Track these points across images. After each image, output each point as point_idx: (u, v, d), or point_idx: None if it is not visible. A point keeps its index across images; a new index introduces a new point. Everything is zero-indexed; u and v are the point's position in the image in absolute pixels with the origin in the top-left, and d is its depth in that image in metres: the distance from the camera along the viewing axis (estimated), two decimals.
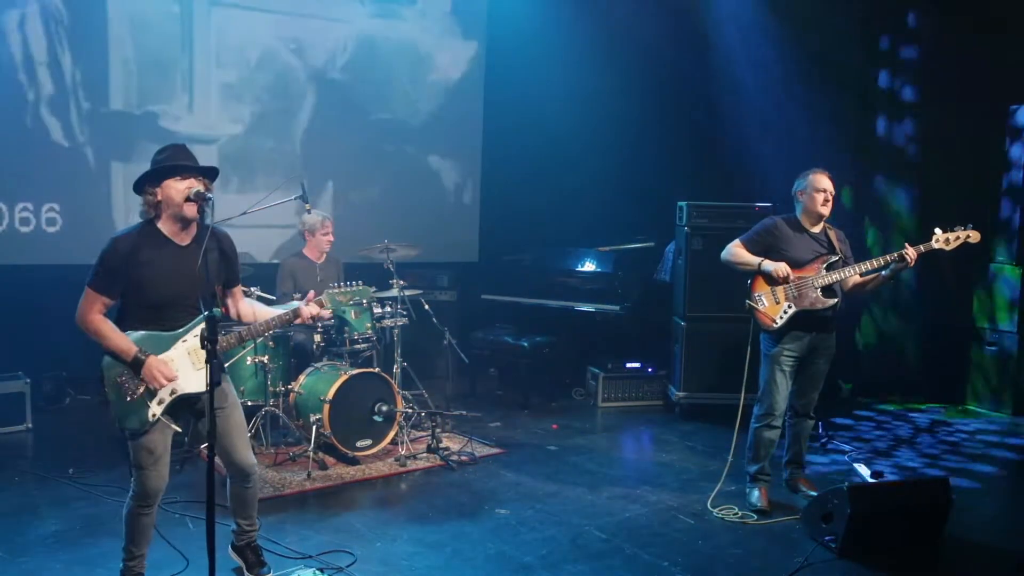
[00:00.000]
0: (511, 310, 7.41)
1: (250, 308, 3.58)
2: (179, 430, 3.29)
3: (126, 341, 3.15)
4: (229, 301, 3.51)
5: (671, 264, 6.92)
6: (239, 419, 3.45)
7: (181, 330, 3.27)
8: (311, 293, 3.63)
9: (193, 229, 3.27)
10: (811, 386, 4.61)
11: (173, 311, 3.25)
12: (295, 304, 3.66)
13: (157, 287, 3.18)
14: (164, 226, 3.22)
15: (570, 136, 7.85)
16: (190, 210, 3.18)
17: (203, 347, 2.84)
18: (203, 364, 3.01)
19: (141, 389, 3.16)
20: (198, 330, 3.18)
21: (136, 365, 3.14)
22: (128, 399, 3.16)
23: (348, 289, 3.65)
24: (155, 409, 3.19)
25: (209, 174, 3.32)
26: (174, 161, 3.22)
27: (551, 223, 7.97)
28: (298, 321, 3.54)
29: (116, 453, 3.57)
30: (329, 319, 3.57)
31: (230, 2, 6.98)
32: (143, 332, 3.20)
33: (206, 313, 2.90)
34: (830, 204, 4.47)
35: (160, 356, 3.20)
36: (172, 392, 3.22)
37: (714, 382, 6.31)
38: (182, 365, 3.25)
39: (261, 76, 7.16)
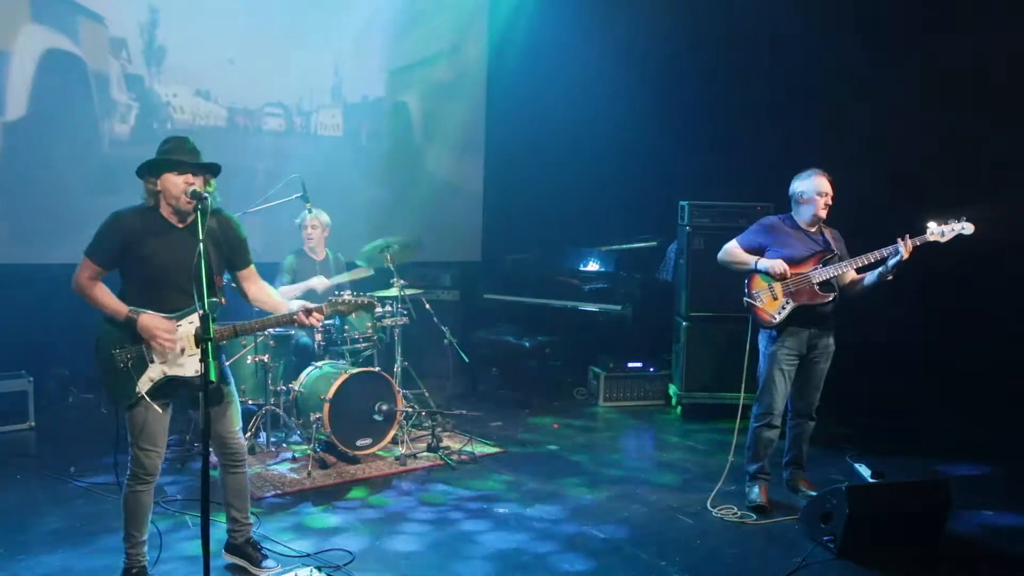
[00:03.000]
0: (513, 310, 7.40)
1: (263, 292, 3.59)
2: (160, 411, 3.28)
3: (117, 302, 3.22)
4: (244, 284, 3.55)
5: (673, 264, 6.91)
6: (237, 406, 3.55)
7: (177, 314, 3.28)
8: (311, 307, 3.49)
9: (194, 217, 3.22)
10: (811, 387, 4.59)
11: (170, 291, 3.26)
12: (296, 305, 3.55)
13: (155, 265, 3.23)
14: (164, 211, 3.28)
15: (573, 135, 7.85)
16: (187, 204, 3.23)
17: (198, 344, 2.87)
18: (196, 351, 3.18)
19: (134, 358, 3.21)
20: (193, 316, 3.24)
21: (129, 324, 3.18)
22: (122, 367, 3.21)
23: (352, 299, 3.56)
24: (144, 384, 3.22)
25: (210, 170, 3.33)
26: (173, 156, 3.25)
27: (554, 223, 7.96)
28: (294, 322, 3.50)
29: (117, 452, 3.59)
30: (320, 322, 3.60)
31: None
32: (143, 311, 3.22)
33: (200, 312, 2.91)
34: (829, 207, 4.48)
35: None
36: (163, 373, 3.26)
37: (715, 382, 6.29)
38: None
39: None
